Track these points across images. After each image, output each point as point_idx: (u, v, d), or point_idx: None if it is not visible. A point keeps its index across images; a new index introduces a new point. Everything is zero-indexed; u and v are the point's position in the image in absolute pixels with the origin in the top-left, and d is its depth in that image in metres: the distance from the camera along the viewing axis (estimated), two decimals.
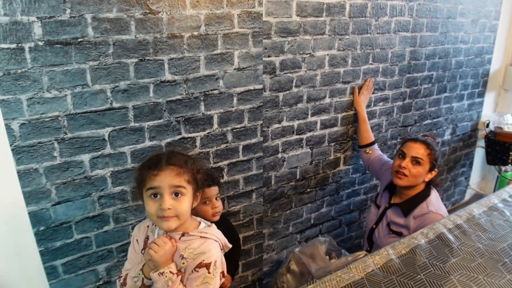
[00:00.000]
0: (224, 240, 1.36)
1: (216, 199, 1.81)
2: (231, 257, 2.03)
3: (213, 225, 1.39)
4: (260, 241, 2.41)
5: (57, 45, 1.45)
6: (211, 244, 1.29)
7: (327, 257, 2.23)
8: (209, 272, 1.24)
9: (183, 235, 1.29)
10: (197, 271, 1.25)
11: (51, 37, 1.44)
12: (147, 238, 1.39)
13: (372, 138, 2.46)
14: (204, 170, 1.38)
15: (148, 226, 1.41)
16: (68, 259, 1.75)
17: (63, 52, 1.47)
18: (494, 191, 3.88)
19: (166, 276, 1.22)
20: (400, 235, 1.97)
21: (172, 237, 1.29)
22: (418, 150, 1.98)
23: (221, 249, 1.35)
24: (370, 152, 2.42)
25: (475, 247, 1.53)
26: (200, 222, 1.38)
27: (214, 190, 1.79)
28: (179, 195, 1.25)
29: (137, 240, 1.41)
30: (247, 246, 2.35)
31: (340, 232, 2.86)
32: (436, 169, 2.00)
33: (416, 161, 1.96)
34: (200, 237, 1.29)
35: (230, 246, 1.40)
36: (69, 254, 1.75)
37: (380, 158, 2.40)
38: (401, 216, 1.99)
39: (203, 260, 1.25)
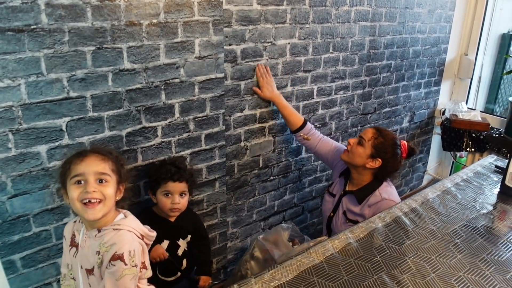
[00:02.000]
0: (142, 229, 1.38)
1: (181, 195, 1.81)
2: (201, 258, 2.03)
3: (130, 215, 1.41)
4: (224, 229, 2.42)
5: (8, 32, 1.40)
6: (123, 234, 1.31)
7: (290, 243, 2.27)
8: (125, 264, 1.26)
9: (99, 231, 1.33)
10: (113, 265, 1.27)
11: (2, 23, 1.38)
12: (73, 235, 1.41)
13: (302, 118, 2.30)
14: (126, 166, 1.45)
15: (75, 222, 1.44)
16: (27, 253, 1.71)
17: (16, 40, 1.42)
18: (450, 176, 4.04)
19: None
20: (356, 223, 2.01)
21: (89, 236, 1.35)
22: (366, 132, 2.04)
23: (141, 238, 1.37)
24: (309, 138, 2.29)
25: (429, 229, 1.60)
26: (120, 213, 1.40)
27: (179, 186, 1.79)
28: (104, 182, 1.30)
29: (65, 236, 1.46)
30: (211, 235, 2.36)
31: (303, 218, 2.91)
32: (379, 160, 1.97)
33: (360, 141, 2.03)
34: (113, 229, 1.32)
35: (153, 234, 1.42)
36: (27, 247, 1.70)
37: (328, 143, 2.31)
38: (356, 204, 2.04)
39: (116, 252, 1.27)
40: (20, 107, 1.50)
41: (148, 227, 1.42)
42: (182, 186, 1.80)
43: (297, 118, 2.29)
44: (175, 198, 1.80)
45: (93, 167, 1.28)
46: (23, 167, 1.58)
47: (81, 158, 1.29)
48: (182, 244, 1.93)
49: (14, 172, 1.57)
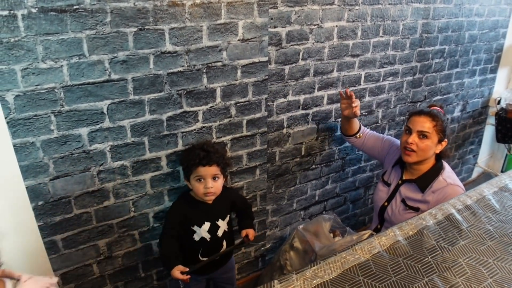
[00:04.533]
0: None
1: (214, 179, 1.75)
2: (245, 215, 2.01)
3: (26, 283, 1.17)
4: (264, 218, 2.37)
5: (51, 13, 1.38)
6: None
7: (331, 234, 2.20)
8: None
9: None
10: None
11: (45, 3, 1.36)
12: None
13: (359, 124, 2.30)
14: None
15: None
16: (68, 234, 1.73)
17: (58, 20, 1.40)
18: (502, 169, 3.82)
19: None
20: (417, 210, 1.94)
21: None
22: (423, 123, 1.91)
23: None
24: (361, 135, 2.28)
25: (485, 229, 1.48)
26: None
27: (210, 170, 1.73)
28: None
29: None
30: None
31: (344, 209, 2.82)
32: (445, 140, 1.95)
33: (422, 135, 1.90)
34: None
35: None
36: (69, 229, 1.72)
37: (376, 136, 2.29)
38: (418, 192, 1.96)
39: None
40: (62, 89, 1.49)
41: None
42: (213, 169, 1.74)
43: (358, 123, 2.28)
44: (207, 183, 1.74)
45: None
46: (64, 149, 1.58)
47: None
48: (222, 225, 1.89)
49: (56, 154, 1.57)
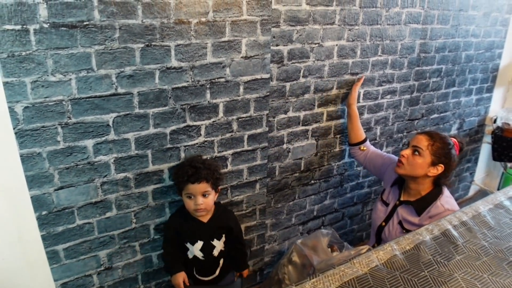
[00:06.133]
0: None
1: (204, 195, 1.76)
2: (237, 262, 2.04)
3: None
4: (262, 232, 2.40)
5: (62, 28, 1.43)
6: None
7: (329, 249, 2.22)
8: None
9: None
10: None
11: (57, 19, 1.41)
12: None
13: (364, 135, 2.39)
14: None
15: None
16: (70, 244, 1.75)
17: (69, 35, 1.44)
18: (499, 187, 3.86)
19: None
20: None
21: None
22: (420, 140, 1.94)
23: None
24: (365, 148, 2.35)
25: (480, 245, 1.51)
26: None
27: (199, 188, 1.73)
28: None
29: None
30: (249, 236, 2.34)
31: (342, 224, 2.85)
32: (441, 165, 1.91)
33: (416, 150, 1.93)
34: None
35: None
36: (71, 239, 1.74)
37: (378, 153, 2.34)
38: (415, 215, 1.96)
39: None
40: (70, 102, 1.53)
41: None
42: (202, 186, 1.74)
43: (363, 132, 2.39)
44: (197, 200, 1.74)
45: None
46: (70, 160, 1.61)
47: None
48: (218, 244, 1.90)
49: (61, 164, 1.60)
